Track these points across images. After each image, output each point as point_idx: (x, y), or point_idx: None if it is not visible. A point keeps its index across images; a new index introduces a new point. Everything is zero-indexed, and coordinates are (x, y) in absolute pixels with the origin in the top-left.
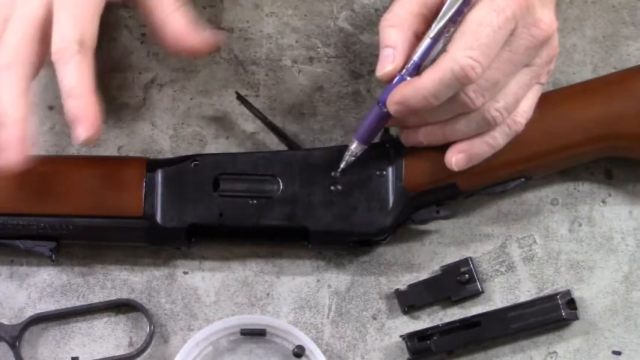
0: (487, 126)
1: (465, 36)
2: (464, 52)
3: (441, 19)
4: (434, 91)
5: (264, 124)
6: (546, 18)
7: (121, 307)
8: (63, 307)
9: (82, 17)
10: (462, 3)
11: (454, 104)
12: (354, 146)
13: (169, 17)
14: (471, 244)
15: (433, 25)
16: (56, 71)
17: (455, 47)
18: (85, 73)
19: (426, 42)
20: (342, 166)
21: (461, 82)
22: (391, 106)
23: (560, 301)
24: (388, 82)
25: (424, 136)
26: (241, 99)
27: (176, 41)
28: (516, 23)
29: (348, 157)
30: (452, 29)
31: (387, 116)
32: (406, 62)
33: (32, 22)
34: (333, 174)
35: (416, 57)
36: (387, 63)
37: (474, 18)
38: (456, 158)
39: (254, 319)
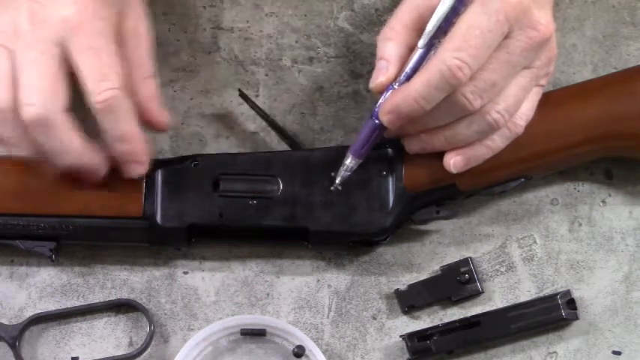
0: (489, 129)
1: (454, 38)
2: (452, 53)
3: (431, 27)
4: (424, 94)
5: (266, 122)
6: (543, 20)
7: (121, 307)
8: (63, 307)
9: (115, 61)
10: (451, 12)
11: (453, 107)
12: (348, 161)
13: (145, 81)
14: (471, 244)
15: (423, 35)
16: (102, 118)
17: (443, 49)
18: (133, 116)
19: (417, 53)
20: (337, 181)
21: (449, 83)
22: (384, 116)
23: (560, 301)
24: (381, 94)
25: (426, 142)
26: (244, 96)
27: (143, 109)
28: (511, 26)
29: (343, 172)
30: (443, 39)
31: (381, 129)
32: (399, 74)
33: (59, 64)
34: (333, 174)
35: (408, 68)
36: (380, 75)
37: (465, 21)
38: (454, 160)
39: (254, 319)
